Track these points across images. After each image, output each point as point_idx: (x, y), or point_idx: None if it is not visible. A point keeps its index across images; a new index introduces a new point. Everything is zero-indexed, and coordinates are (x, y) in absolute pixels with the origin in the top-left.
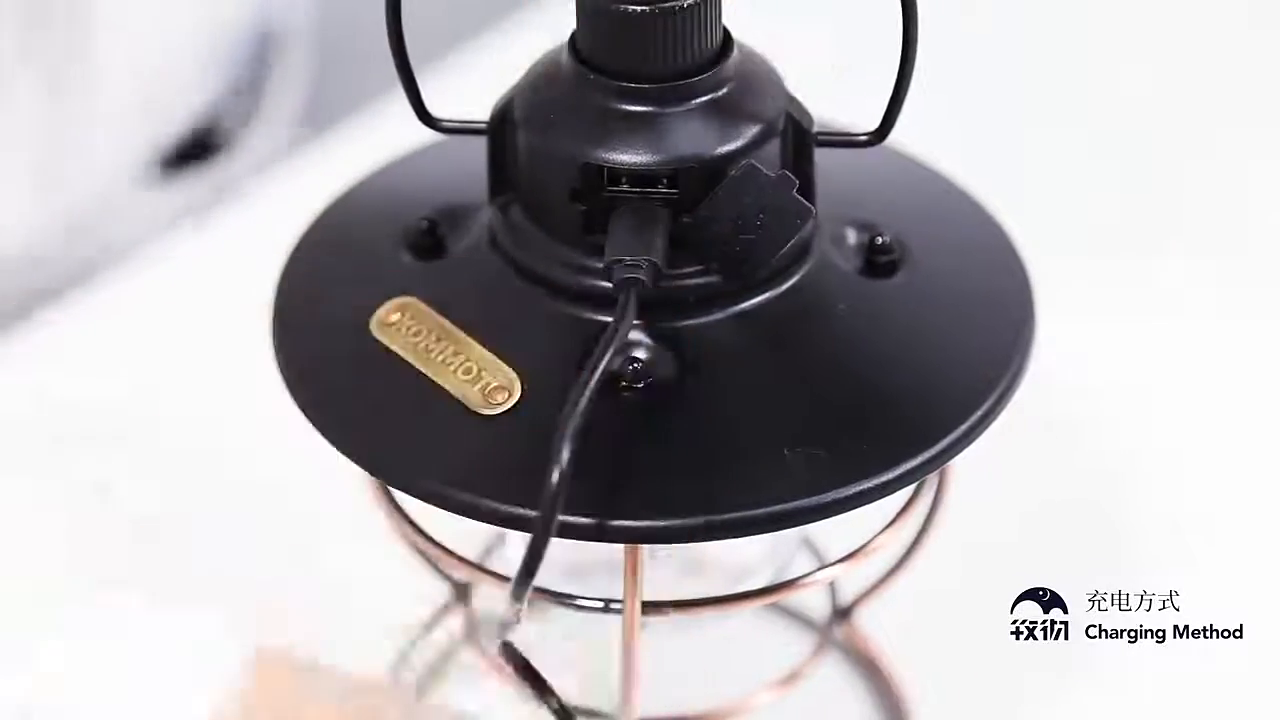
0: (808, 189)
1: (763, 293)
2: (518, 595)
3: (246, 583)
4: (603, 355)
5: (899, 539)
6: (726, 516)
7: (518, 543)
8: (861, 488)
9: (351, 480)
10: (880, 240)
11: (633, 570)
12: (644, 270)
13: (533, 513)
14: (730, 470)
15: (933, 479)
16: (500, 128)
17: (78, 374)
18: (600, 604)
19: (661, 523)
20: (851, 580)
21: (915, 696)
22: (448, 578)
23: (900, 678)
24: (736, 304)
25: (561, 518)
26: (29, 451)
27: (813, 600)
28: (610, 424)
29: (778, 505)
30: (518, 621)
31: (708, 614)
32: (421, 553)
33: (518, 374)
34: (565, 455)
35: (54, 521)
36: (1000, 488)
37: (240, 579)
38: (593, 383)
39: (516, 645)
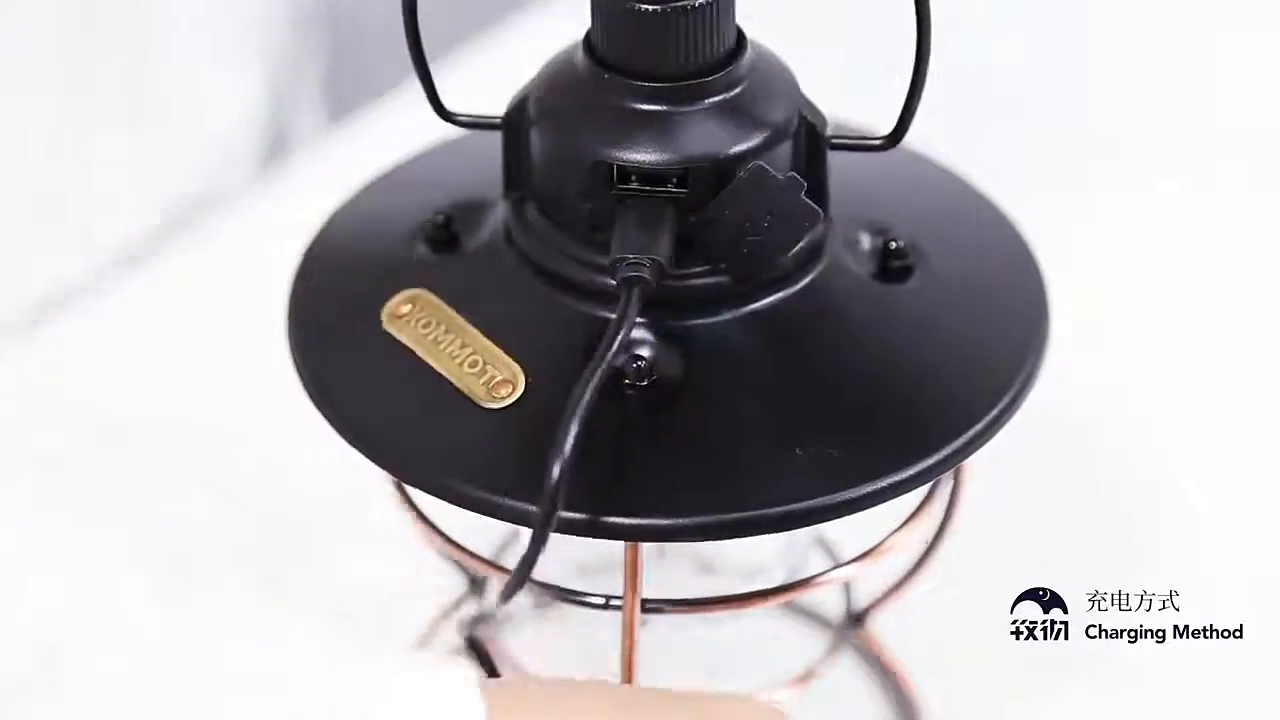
0: (820, 192)
1: (773, 293)
2: (508, 594)
3: (260, 579)
4: (605, 352)
5: (913, 539)
6: (732, 516)
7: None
8: (873, 488)
9: (371, 473)
10: (894, 245)
11: (632, 568)
12: (648, 269)
13: (531, 507)
14: (736, 469)
15: (948, 480)
16: (515, 123)
17: (88, 376)
18: (601, 600)
19: (662, 521)
20: (867, 579)
21: (929, 699)
22: (464, 570)
23: (914, 681)
24: (746, 304)
25: (561, 513)
26: (44, 452)
27: (829, 597)
28: (612, 421)
29: (787, 505)
30: (494, 615)
31: (709, 614)
32: (435, 546)
33: (522, 368)
34: (566, 452)
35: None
36: (1008, 489)
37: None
38: (594, 380)
39: (482, 638)
